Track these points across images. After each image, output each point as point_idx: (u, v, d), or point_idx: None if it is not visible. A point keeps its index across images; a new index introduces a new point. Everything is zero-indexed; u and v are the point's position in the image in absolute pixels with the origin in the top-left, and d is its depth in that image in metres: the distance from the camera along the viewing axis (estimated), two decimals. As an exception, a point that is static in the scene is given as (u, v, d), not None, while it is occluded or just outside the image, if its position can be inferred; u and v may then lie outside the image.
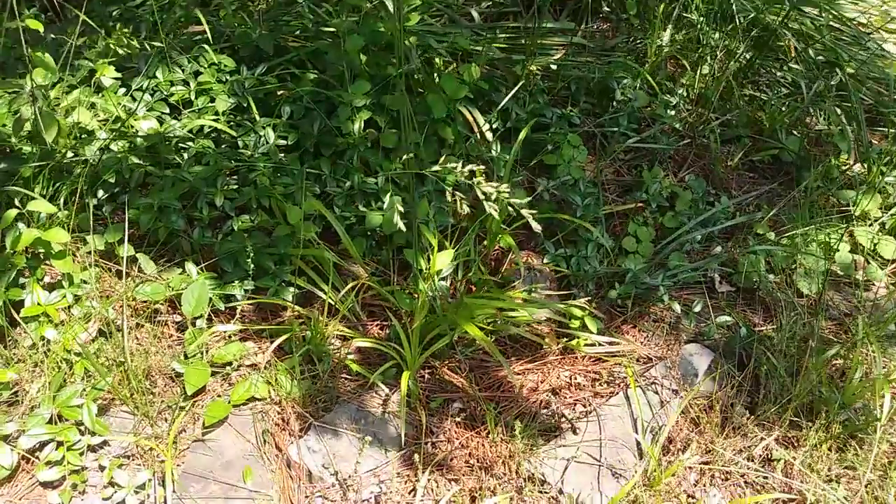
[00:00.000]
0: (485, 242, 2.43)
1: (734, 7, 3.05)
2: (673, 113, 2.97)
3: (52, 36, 3.07)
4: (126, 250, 2.10)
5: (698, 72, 3.03)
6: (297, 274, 2.21)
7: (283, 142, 2.52)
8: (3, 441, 1.81)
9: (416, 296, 2.10)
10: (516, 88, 2.69)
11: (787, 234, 2.50)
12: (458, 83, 2.56)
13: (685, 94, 3.06)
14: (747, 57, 3.05)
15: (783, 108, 2.98)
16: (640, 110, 2.87)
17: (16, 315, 1.99)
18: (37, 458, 1.83)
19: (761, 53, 3.05)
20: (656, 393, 2.04)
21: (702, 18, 3.11)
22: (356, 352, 2.14)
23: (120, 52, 2.73)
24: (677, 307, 2.23)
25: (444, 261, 2.15)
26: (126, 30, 2.92)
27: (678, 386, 2.06)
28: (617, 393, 2.04)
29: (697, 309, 2.20)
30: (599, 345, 2.15)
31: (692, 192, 2.64)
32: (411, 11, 2.81)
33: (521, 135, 2.42)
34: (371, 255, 2.37)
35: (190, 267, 2.14)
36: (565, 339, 2.16)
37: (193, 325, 2.05)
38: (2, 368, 1.93)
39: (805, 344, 2.10)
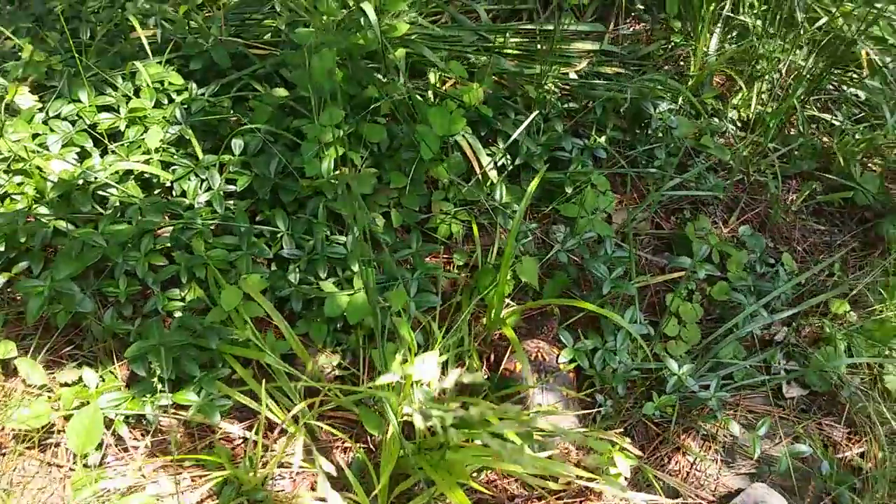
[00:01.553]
0: (483, 321, 1.81)
1: (797, 6, 2.35)
2: (721, 142, 2.30)
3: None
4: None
5: (754, 89, 2.34)
6: (232, 379, 1.60)
7: (231, 187, 1.89)
8: None
9: (386, 429, 1.47)
10: (531, 119, 2.03)
11: (874, 316, 1.84)
12: (449, 117, 1.90)
13: (736, 117, 2.38)
14: (814, 72, 2.35)
15: (856, 136, 2.29)
16: (681, 140, 2.20)
17: None
18: None
19: (831, 67, 2.35)
20: (710, 568, 1.43)
21: (758, 22, 2.41)
22: (310, 488, 1.53)
23: (40, 68, 2.09)
24: (735, 429, 1.60)
25: (425, 368, 1.53)
26: (50, 33, 2.28)
27: (740, 557, 1.44)
28: (655, 566, 1.43)
29: (763, 431, 1.57)
30: None
31: (748, 250, 1.98)
32: (398, 16, 2.15)
33: (535, 182, 1.76)
34: (335, 341, 1.74)
35: (88, 376, 1.53)
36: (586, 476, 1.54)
37: (84, 463, 1.45)
38: None
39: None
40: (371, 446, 1.56)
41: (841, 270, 2.01)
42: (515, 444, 1.41)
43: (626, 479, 1.46)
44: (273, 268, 1.82)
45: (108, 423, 1.49)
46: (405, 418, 1.56)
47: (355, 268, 1.74)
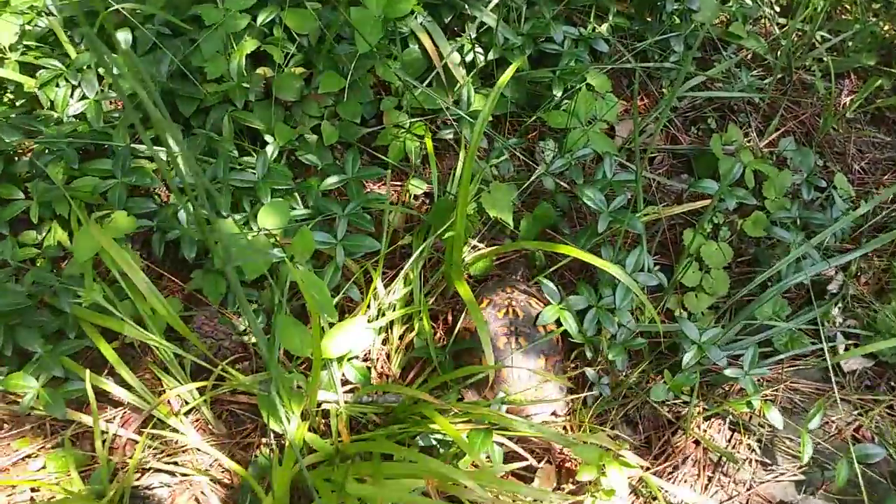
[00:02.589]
0: (441, 270, 1.32)
1: None
2: (756, 31, 1.74)
3: None
4: None
5: (800, -39, 1.76)
6: (95, 353, 1.14)
7: (113, 95, 1.39)
8: None
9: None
10: (506, -5, 1.48)
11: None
12: (396, -10, 1.36)
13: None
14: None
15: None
16: (703, 27, 1.64)
17: None
18: None
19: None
20: None
21: None
22: (194, 501, 1.10)
23: None
24: (776, 418, 1.13)
25: (345, 343, 1.06)
26: None
27: None
28: None
29: (815, 424, 1.11)
30: None
31: (791, 170, 1.47)
32: None
33: (508, 73, 1.22)
34: (248, 298, 1.27)
35: None
36: (571, 487, 1.09)
37: None
38: None
39: None
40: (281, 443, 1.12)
41: (911, 195, 1.50)
42: (470, 449, 0.95)
43: (620, 498, 1.01)
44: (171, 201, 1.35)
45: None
46: (325, 405, 1.11)
47: (267, 200, 1.25)
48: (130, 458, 1.08)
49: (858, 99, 1.66)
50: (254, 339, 1.24)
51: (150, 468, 1.09)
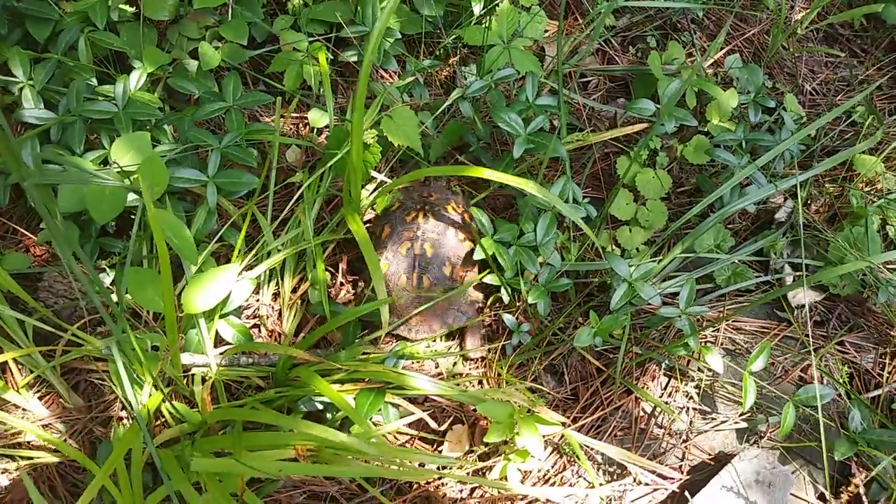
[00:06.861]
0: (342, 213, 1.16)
1: None
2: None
3: None
4: None
5: None
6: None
7: (-54, 16, 1.18)
8: None
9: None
10: None
11: (919, 177, 1.22)
12: None
13: None
14: None
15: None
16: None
17: None
18: None
19: None
20: None
21: None
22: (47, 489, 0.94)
23: None
24: (716, 361, 1.00)
25: (215, 295, 0.90)
26: None
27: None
28: None
29: (759, 365, 0.98)
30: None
31: (738, 90, 1.33)
32: None
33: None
34: (100, 250, 1.09)
35: None
36: (482, 450, 0.95)
37: None
38: None
39: None
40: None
41: (867, 115, 1.37)
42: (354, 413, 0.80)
43: (537, 458, 0.88)
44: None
45: None
46: (197, 370, 0.95)
47: (127, 133, 1.07)
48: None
49: (811, 13, 1.51)
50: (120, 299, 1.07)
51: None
